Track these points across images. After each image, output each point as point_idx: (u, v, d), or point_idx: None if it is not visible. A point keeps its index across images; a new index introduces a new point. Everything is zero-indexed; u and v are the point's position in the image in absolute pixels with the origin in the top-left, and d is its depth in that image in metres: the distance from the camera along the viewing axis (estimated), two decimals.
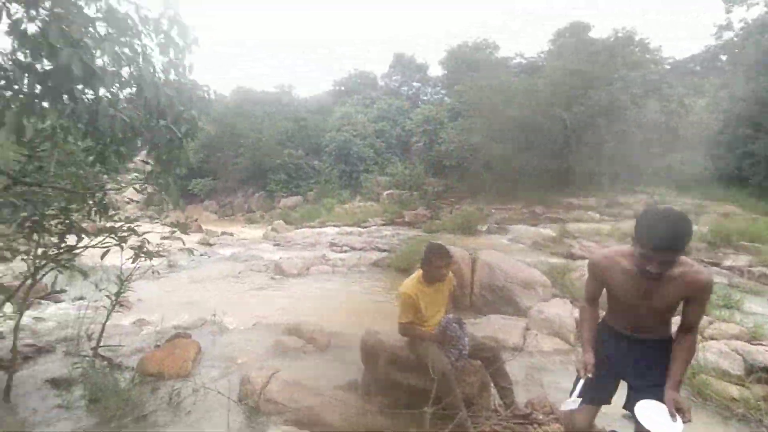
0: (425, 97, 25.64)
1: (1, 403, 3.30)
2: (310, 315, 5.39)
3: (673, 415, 1.73)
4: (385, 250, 9.22)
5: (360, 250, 9.63)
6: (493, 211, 14.72)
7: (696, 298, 1.82)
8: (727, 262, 7.67)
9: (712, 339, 4.08)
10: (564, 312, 4.81)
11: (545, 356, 4.12)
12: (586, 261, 8.33)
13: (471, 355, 3.03)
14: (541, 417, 2.99)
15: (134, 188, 3.67)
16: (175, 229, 3.91)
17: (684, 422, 1.72)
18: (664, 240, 1.64)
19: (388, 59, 27.85)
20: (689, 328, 1.90)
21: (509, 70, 20.66)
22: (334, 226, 13.87)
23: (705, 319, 4.52)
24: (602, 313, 2.22)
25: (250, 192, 21.93)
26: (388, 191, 18.15)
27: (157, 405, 3.47)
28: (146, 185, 3.52)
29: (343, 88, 27.42)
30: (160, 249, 4.01)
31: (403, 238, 10.54)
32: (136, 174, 3.52)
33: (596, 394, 2.02)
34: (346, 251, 9.57)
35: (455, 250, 6.21)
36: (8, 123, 2.19)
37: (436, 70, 26.24)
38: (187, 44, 2.84)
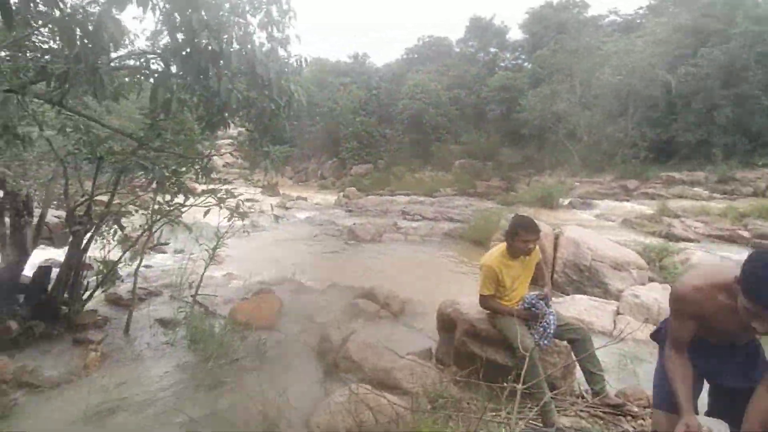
0: (503, 63, 24.16)
1: (122, 335, 3.78)
2: (384, 280, 5.46)
3: None
4: (458, 221, 9.06)
5: (431, 219, 9.54)
6: (577, 184, 13.72)
7: None
8: None
9: None
10: (663, 298, 4.40)
11: (639, 345, 3.79)
12: (689, 243, 7.50)
13: (557, 336, 2.85)
14: (635, 409, 2.77)
15: (230, 154, 3.91)
16: (263, 190, 4.10)
17: None
18: None
19: (464, 23, 26.38)
20: None
21: (601, 29, 18.66)
22: (404, 194, 13.87)
23: None
24: None
25: (323, 159, 22.54)
26: (461, 161, 17.69)
27: (246, 351, 3.73)
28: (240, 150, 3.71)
29: (416, 55, 26.69)
30: (252, 210, 4.26)
31: (476, 209, 10.26)
32: (232, 140, 3.74)
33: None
34: (417, 220, 9.54)
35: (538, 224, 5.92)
36: (159, 98, 2.52)
37: (515, 34, 24.56)
38: (286, 20, 2.91)
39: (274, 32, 2.94)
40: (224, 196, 4.01)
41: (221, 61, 2.59)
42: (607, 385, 2.82)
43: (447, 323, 3.40)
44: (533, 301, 2.86)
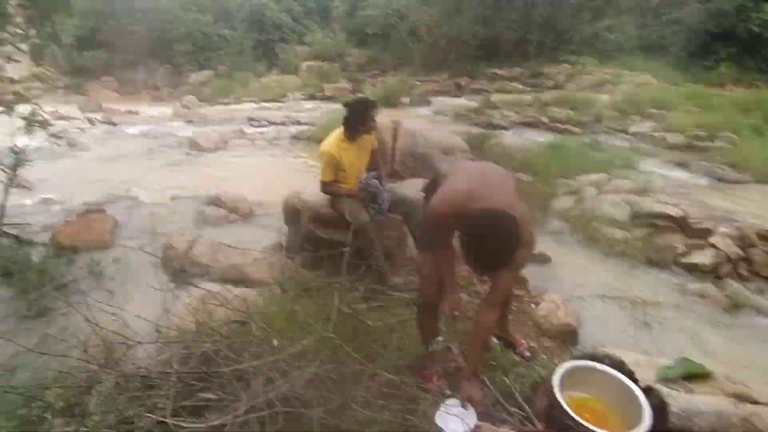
0: None
1: None
2: (231, 187, 5.26)
3: (465, 407, 1.70)
4: (305, 124, 8.89)
5: (279, 124, 9.19)
6: (418, 83, 14.28)
7: (519, 258, 1.64)
8: (633, 128, 8.31)
9: (608, 193, 4.58)
10: None
11: None
12: (504, 130, 8.52)
13: (391, 210, 3.16)
14: None
15: (12, 45, 3.07)
16: (81, 106, 3.41)
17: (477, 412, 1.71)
18: (494, 267, 1.60)
19: None
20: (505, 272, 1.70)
21: None
22: (251, 101, 12.85)
23: (605, 177, 5.03)
24: None
25: (153, 66, 19.16)
26: (308, 63, 16.79)
27: (77, 274, 3.39)
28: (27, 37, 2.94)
29: None
30: (54, 117, 3.55)
31: (324, 111, 10.14)
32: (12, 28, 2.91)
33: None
34: (264, 126, 9.09)
35: (378, 118, 6.15)
36: None
37: None
38: None
39: None
40: (11, 100, 3.24)
41: None
42: None
43: (293, 214, 3.53)
44: (369, 182, 3.08)
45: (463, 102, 11.53)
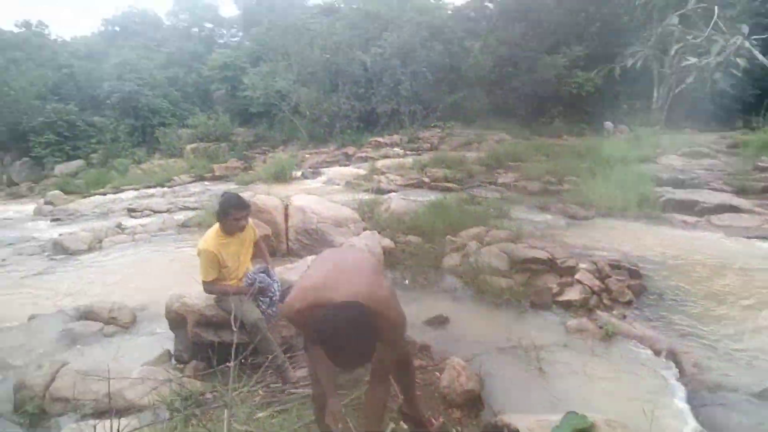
0: (221, 40, 22.96)
1: None
2: (108, 293, 4.59)
3: None
4: (194, 209, 8.34)
5: (165, 212, 8.48)
6: (307, 156, 14.60)
7: (390, 339, 1.66)
8: (500, 180, 9.29)
9: (488, 244, 4.86)
10: (372, 242, 5.11)
11: None
12: (391, 194, 8.81)
13: (283, 299, 3.02)
14: None
15: None
16: None
17: None
18: (352, 367, 1.61)
19: None
20: (381, 359, 1.70)
21: (307, 11, 19.80)
22: (132, 189, 11.78)
23: (483, 229, 5.38)
24: None
25: (7, 160, 16.84)
26: (192, 145, 16.24)
27: None
28: None
29: (117, 28, 22.43)
30: None
31: (215, 193, 9.67)
32: None
33: None
34: (147, 216, 8.31)
35: (266, 199, 6.00)
36: None
37: (230, 10, 23.54)
38: None
39: None
40: None
41: None
42: None
43: (177, 320, 3.15)
44: (254, 276, 2.93)
45: (352, 170, 11.93)
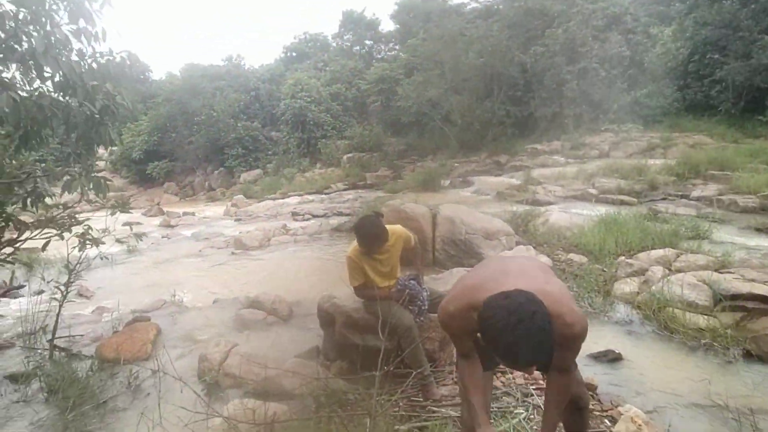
0: (379, 55, 24.79)
1: None
2: (271, 287, 5.28)
3: None
4: (347, 215, 9.12)
5: (322, 216, 9.50)
6: (456, 165, 14.51)
7: (565, 345, 1.44)
8: (696, 193, 7.74)
9: (679, 271, 4.07)
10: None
11: None
12: (550, 206, 8.12)
13: (431, 310, 2.99)
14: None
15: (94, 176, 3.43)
16: (116, 210, 3.69)
17: None
18: (525, 360, 1.28)
19: (338, 18, 26.47)
20: (560, 369, 1.55)
21: (464, 16, 19.97)
22: (296, 195, 13.61)
23: (672, 252, 4.56)
24: None
25: (209, 170, 21.21)
26: (348, 155, 17.86)
27: (117, 390, 3.38)
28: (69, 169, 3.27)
29: (294, 53, 26.22)
30: (106, 234, 3.84)
31: (366, 200, 10.43)
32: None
33: (489, 362, 1.75)
34: (307, 219, 9.43)
35: (414, 207, 6.15)
36: None
37: (388, 25, 25.27)
38: (97, 7, 2.58)
39: (80, 23, 2.60)
40: (65, 223, 3.54)
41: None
42: None
43: (327, 318, 3.40)
44: (406, 283, 2.98)
45: (504, 180, 11.46)
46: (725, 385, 2.71)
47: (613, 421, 2.33)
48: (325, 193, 13.48)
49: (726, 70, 13.44)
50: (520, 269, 1.57)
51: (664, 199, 7.79)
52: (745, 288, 3.46)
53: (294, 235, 8.01)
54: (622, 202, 7.70)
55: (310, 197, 12.96)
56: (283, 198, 13.65)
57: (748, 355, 3.01)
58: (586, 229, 5.53)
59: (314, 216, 9.60)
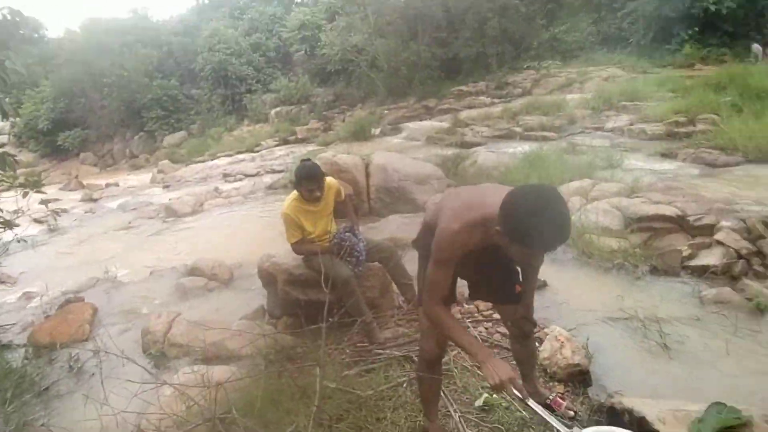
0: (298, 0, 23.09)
1: None
2: (210, 252, 5.07)
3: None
4: (280, 171, 8.82)
5: (254, 176, 9.12)
6: (386, 112, 14.27)
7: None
8: (609, 124, 8.13)
9: (595, 200, 4.25)
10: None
11: None
12: (478, 147, 8.33)
13: (369, 259, 3.02)
14: None
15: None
16: (26, 188, 3.30)
17: None
18: (562, 241, 1.30)
19: None
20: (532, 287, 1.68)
21: None
22: (225, 156, 12.85)
23: (589, 183, 4.79)
24: None
25: (128, 136, 19.36)
26: (276, 109, 17.00)
27: (58, 375, 3.21)
28: None
29: (207, 1, 23.70)
30: (19, 215, 3.47)
31: (298, 155, 10.11)
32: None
33: (448, 296, 1.71)
34: (240, 179, 9.02)
35: (346, 159, 6.06)
36: None
37: None
38: None
39: None
40: None
41: None
42: (416, 289, 3.14)
43: (268, 278, 3.35)
44: (342, 236, 2.97)
45: (433, 124, 11.44)
46: (635, 299, 3.00)
47: (540, 342, 2.52)
48: (256, 151, 12.82)
49: (636, 1, 13.83)
50: (499, 187, 1.59)
51: (581, 132, 8.19)
52: (651, 210, 3.77)
53: (227, 197, 7.65)
54: (544, 138, 7.97)
55: (241, 156, 12.30)
56: (212, 160, 12.84)
57: (655, 271, 3.32)
58: (512, 167, 5.71)
59: (246, 176, 9.18)
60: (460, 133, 9.35)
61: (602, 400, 2.06)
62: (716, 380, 2.24)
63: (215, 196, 7.83)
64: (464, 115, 11.02)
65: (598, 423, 1.89)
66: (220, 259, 4.63)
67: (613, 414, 1.86)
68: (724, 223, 3.47)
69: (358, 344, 2.82)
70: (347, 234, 2.99)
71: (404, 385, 2.31)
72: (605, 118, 8.55)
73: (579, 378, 2.29)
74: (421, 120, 12.60)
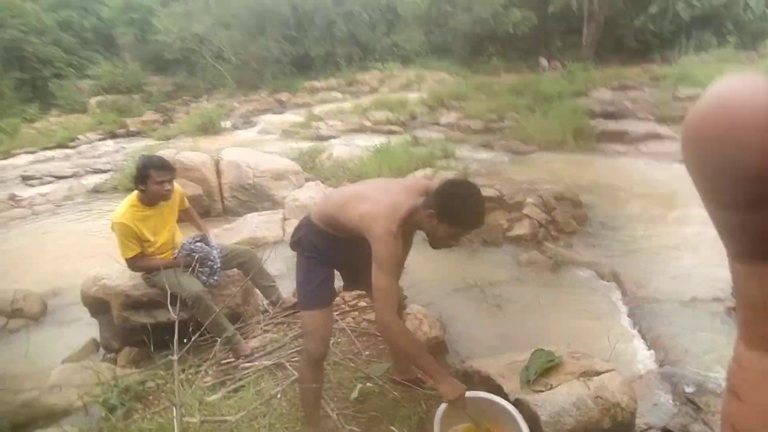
0: None
1: None
2: (8, 281, 3.85)
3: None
4: (108, 171, 7.30)
5: (70, 177, 7.31)
6: (236, 105, 13.42)
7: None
8: (443, 120, 9.06)
9: None
10: (317, 193, 4.80)
11: None
12: (333, 140, 8.49)
13: (226, 266, 2.72)
14: None
15: None
16: None
17: None
18: (482, 222, 1.55)
19: None
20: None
21: None
22: (26, 153, 10.03)
23: (431, 171, 5.24)
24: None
25: None
26: (98, 98, 14.21)
27: None
28: None
29: None
30: None
31: (132, 151, 8.58)
32: None
33: (330, 295, 1.80)
34: (49, 182, 7.13)
35: (193, 156, 5.41)
36: None
37: None
38: None
39: None
40: None
41: None
42: (281, 291, 2.90)
43: (97, 304, 2.70)
44: (192, 246, 2.59)
45: (288, 117, 11.18)
46: (473, 268, 3.40)
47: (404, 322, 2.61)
48: (71, 147, 10.38)
49: (456, 20, 15.79)
50: (390, 180, 1.84)
51: (421, 127, 8.98)
52: None
53: (31, 205, 5.95)
54: (391, 132, 8.51)
55: (49, 153, 9.74)
56: (5, 158, 9.90)
57: (485, 243, 3.83)
58: (365, 159, 5.88)
59: (58, 177, 7.27)
60: (315, 127, 9.34)
61: (458, 366, 2.21)
62: (537, 329, 2.66)
63: (11, 206, 5.98)
64: (318, 109, 11.00)
65: None
66: (25, 288, 3.55)
67: (467, 377, 1.99)
68: (529, 199, 4.22)
69: (223, 362, 2.50)
70: (198, 244, 2.63)
71: (278, 396, 2.11)
72: (439, 115, 9.56)
73: (439, 350, 2.44)
74: (274, 113, 12.19)
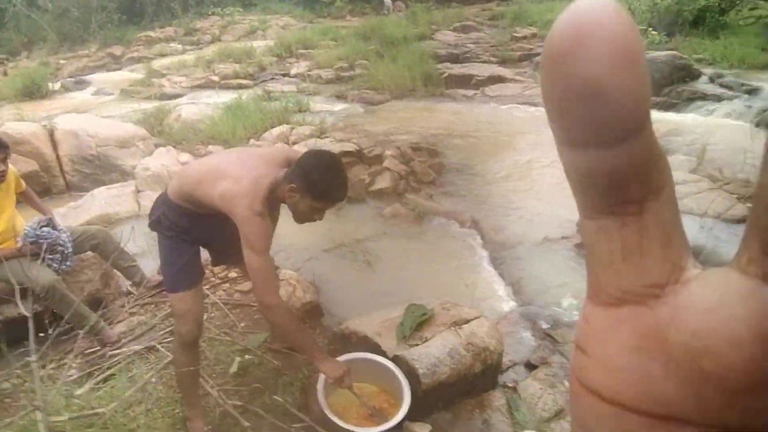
0: None
1: None
2: None
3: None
4: None
5: None
6: (63, 62, 10.98)
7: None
8: (293, 70, 8.29)
9: (295, 144, 4.39)
10: (169, 161, 4.28)
11: None
12: (179, 99, 7.54)
13: (78, 250, 2.45)
14: None
15: None
16: None
17: None
18: (345, 197, 1.52)
19: None
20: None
21: None
22: None
23: (287, 128, 4.81)
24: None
25: None
26: None
27: None
28: None
29: None
30: None
31: None
32: None
33: (198, 274, 1.70)
34: None
35: (21, 127, 4.41)
36: None
37: None
38: None
39: None
40: None
41: None
42: (144, 269, 2.64)
43: None
44: (37, 232, 2.31)
45: (125, 75, 9.48)
46: (340, 227, 3.32)
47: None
48: None
49: None
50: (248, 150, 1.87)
51: (272, 79, 8.13)
52: (338, 148, 4.09)
53: None
54: (240, 86, 7.58)
55: None
56: None
57: (350, 200, 3.57)
58: (216, 119, 5.21)
59: None
60: (158, 85, 8.07)
61: (335, 329, 2.23)
62: (407, 282, 2.72)
63: None
64: (158, 64, 9.37)
65: (336, 351, 2.01)
66: None
67: (345, 339, 2.01)
68: (387, 152, 4.13)
69: (88, 351, 2.25)
70: (44, 229, 2.30)
71: (153, 381, 1.97)
72: (289, 65, 8.76)
73: (313, 313, 2.42)
74: (108, 71, 10.29)
